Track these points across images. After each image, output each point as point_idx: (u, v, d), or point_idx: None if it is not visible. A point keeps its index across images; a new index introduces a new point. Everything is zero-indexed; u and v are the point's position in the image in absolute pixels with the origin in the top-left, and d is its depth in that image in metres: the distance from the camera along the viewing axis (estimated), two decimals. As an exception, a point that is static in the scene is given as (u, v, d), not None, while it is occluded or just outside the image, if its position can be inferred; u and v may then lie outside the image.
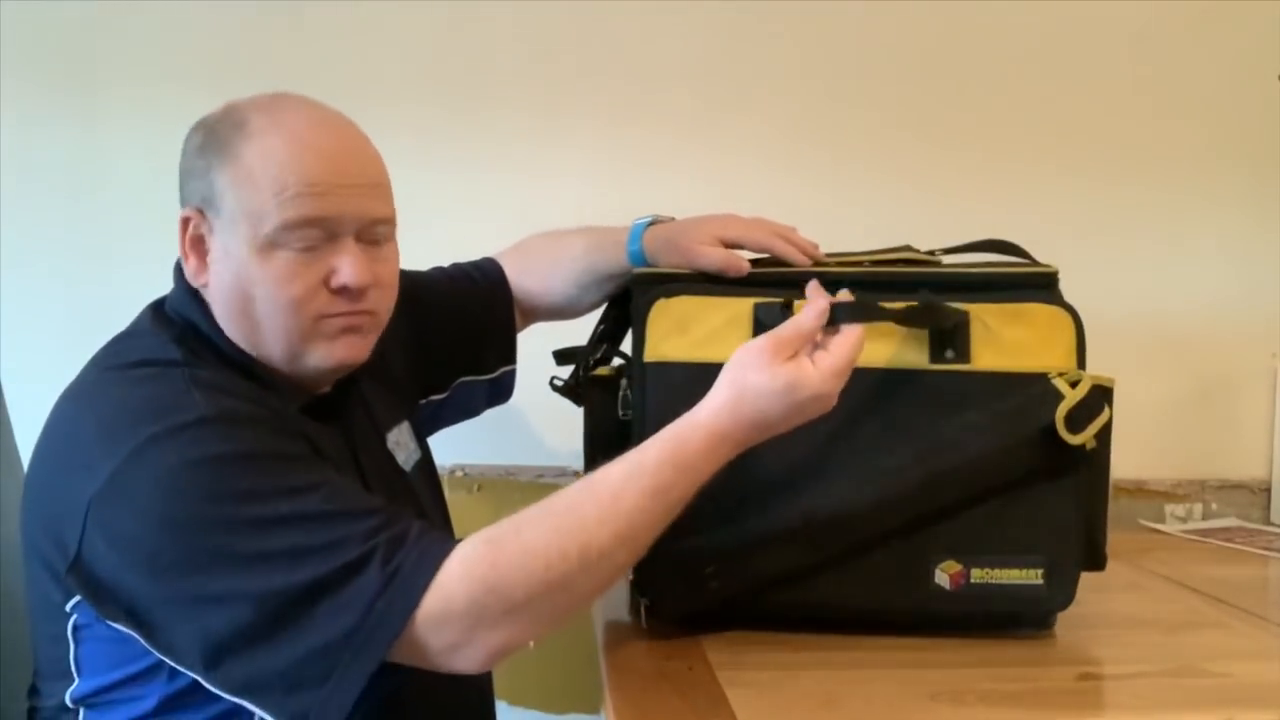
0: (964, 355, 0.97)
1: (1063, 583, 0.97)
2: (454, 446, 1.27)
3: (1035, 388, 0.95)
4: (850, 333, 0.88)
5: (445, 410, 1.19)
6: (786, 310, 0.95)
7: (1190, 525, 1.57)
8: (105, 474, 0.77)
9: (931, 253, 1.08)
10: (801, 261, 1.02)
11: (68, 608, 0.82)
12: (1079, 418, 0.94)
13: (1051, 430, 0.93)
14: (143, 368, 0.85)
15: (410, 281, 1.11)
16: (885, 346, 0.96)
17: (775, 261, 1.03)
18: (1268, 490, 1.59)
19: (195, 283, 0.89)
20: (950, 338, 0.97)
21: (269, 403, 0.85)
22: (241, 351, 0.88)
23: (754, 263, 1.02)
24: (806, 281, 0.95)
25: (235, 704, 0.78)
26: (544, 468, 1.50)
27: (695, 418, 0.84)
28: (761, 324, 0.96)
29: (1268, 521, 1.57)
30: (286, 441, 0.83)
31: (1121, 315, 1.53)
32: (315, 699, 0.75)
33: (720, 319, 0.98)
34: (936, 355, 0.97)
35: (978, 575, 0.96)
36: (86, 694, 0.84)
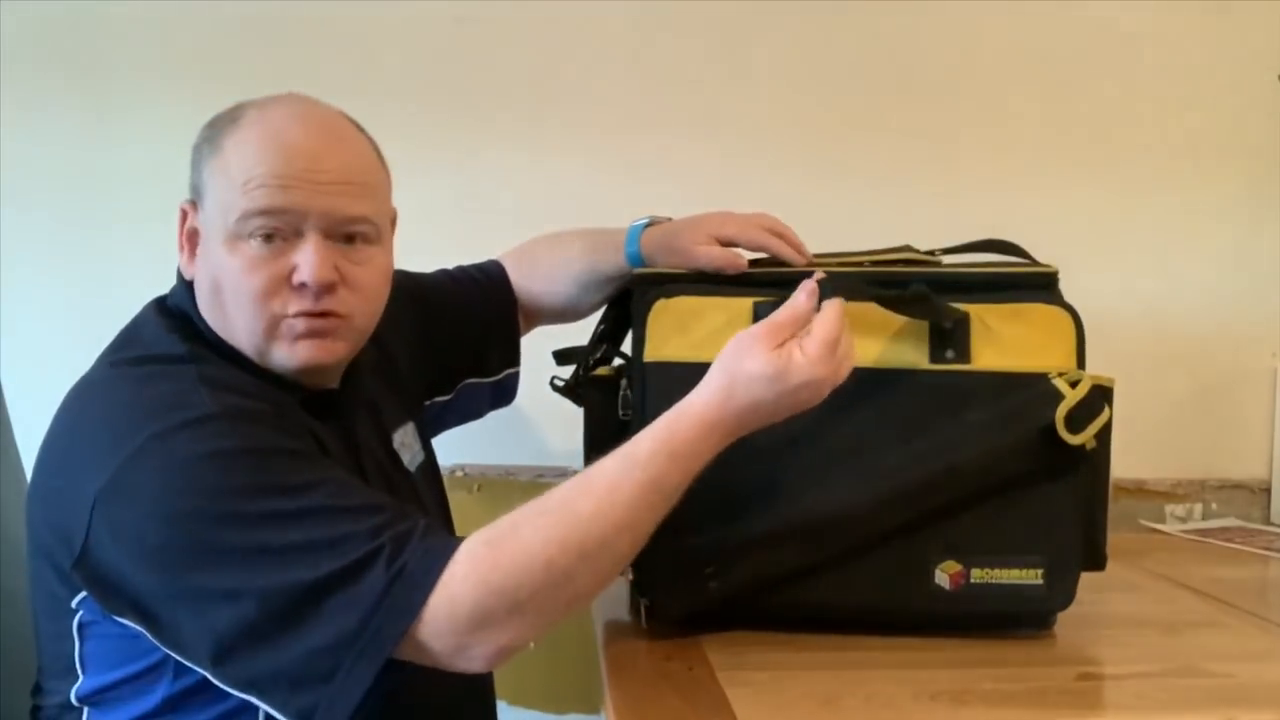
0: (964, 355, 0.97)
1: (1063, 583, 0.97)
2: (454, 446, 1.27)
3: (1035, 388, 0.95)
4: (829, 308, 0.86)
5: (449, 412, 1.18)
6: (786, 309, 0.95)
7: (1190, 525, 1.57)
8: (111, 469, 0.77)
9: (931, 253, 1.08)
10: (798, 261, 1.02)
11: (73, 604, 0.82)
12: (1079, 418, 0.94)
13: (1051, 430, 0.93)
14: (150, 364, 0.85)
15: (415, 283, 1.12)
16: (885, 346, 0.96)
17: (774, 261, 1.03)
18: (1268, 490, 1.59)
19: (186, 275, 0.90)
20: (950, 337, 0.97)
21: (274, 396, 0.85)
22: (228, 344, 0.87)
23: (752, 263, 1.03)
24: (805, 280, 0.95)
25: (240, 702, 0.78)
26: (544, 468, 1.50)
27: (687, 406, 0.84)
28: (761, 324, 0.96)
29: (1268, 521, 1.57)
30: (292, 437, 0.83)
31: (1121, 315, 1.53)
32: (322, 696, 0.75)
33: (720, 319, 0.98)
34: (936, 355, 0.97)
35: (978, 575, 0.96)
36: (91, 692, 0.84)
